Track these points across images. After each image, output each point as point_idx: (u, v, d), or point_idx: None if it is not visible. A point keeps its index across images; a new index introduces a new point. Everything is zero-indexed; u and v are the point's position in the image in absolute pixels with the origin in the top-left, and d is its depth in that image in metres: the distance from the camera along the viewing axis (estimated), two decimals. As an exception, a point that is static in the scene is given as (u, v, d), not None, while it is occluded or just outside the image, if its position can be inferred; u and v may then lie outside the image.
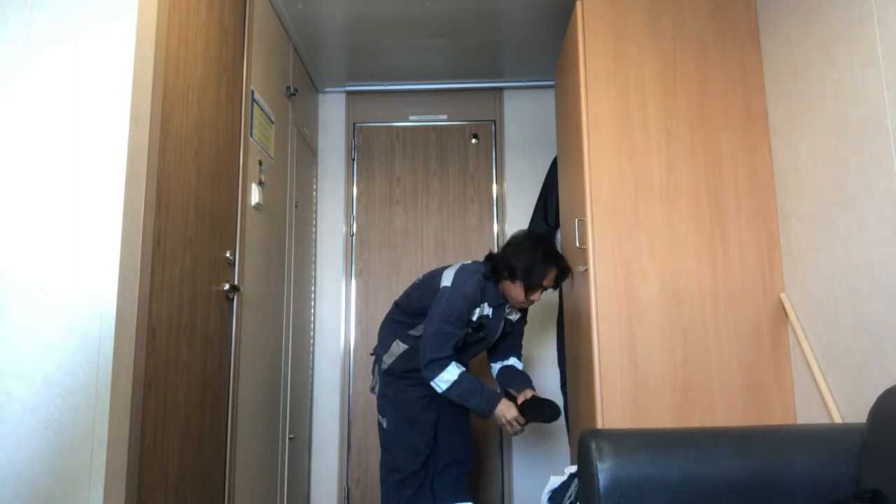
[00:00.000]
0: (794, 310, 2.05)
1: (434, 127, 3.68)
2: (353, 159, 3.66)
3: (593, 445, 1.34)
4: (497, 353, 2.47)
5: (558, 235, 2.94)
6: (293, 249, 3.03)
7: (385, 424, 2.32)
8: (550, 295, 2.78)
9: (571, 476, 1.91)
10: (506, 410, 2.17)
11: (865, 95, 1.68)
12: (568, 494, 1.87)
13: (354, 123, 3.70)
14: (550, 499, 1.95)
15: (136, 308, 1.54)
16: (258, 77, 2.53)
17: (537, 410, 2.21)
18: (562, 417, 3.18)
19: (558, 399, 3.14)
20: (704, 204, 2.19)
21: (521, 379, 2.37)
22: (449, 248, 3.56)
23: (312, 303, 3.44)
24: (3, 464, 1.40)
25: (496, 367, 2.48)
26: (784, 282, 2.13)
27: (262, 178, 2.55)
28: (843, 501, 1.21)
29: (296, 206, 3.09)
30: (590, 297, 2.14)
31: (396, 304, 2.43)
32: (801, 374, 2.02)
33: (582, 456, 1.36)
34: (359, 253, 3.57)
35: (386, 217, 3.60)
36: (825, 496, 1.29)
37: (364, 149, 3.67)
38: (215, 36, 2.12)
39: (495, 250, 3.40)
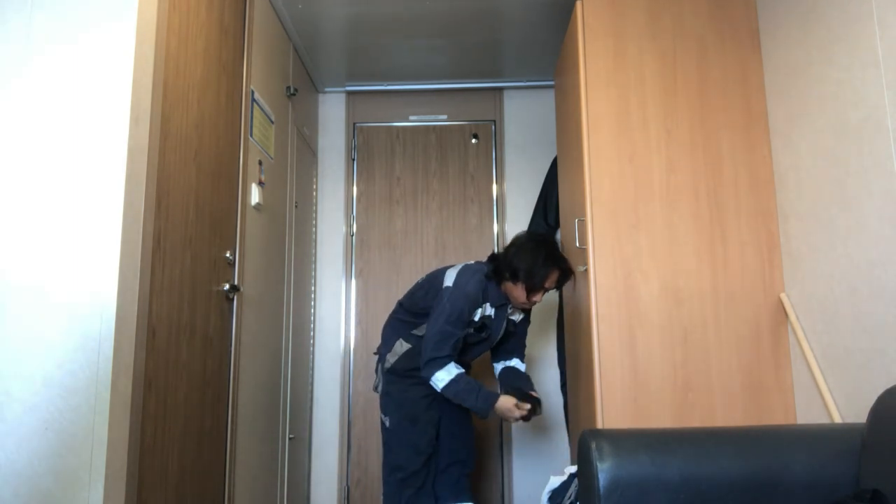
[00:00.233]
0: (794, 310, 2.05)
1: (434, 127, 3.68)
2: (353, 159, 3.66)
3: (593, 445, 1.34)
4: (500, 353, 2.47)
5: (558, 235, 2.94)
6: (293, 249, 3.04)
7: (388, 423, 2.33)
8: (551, 295, 2.78)
9: (571, 476, 1.91)
10: (506, 403, 2.17)
11: (865, 95, 1.68)
12: (568, 494, 1.87)
13: (354, 123, 3.70)
14: (550, 499, 1.95)
15: (136, 308, 1.54)
16: (258, 77, 2.53)
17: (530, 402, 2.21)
18: (562, 417, 3.19)
19: (558, 399, 3.14)
20: (704, 204, 2.19)
21: (522, 381, 2.37)
22: (449, 248, 3.56)
23: (312, 303, 3.44)
24: (3, 464, 1.40)
25: (498, 367, 2.48)
26: (784, 282, 2.13)
27: (262, 178, 2.55)
28: (843, 501, 1.21)
29: (296, 206, 3.09)
30: (590, 297, 2.14)
31: (400, 304, 2.44)
32: (801, 374, 2.02)
33: (582, 456, 1.36)
34: (359, 253, 3.57)
35: (386, 217, 3.60)
36: (825, 496, 1.29)
37: (364, 149, 3.67)
38: (215, 36, 2.12)
39: (495, 250, 3.41)
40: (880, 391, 1.36)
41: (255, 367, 2.45)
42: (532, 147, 3.61)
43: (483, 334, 2.28)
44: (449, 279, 2.25)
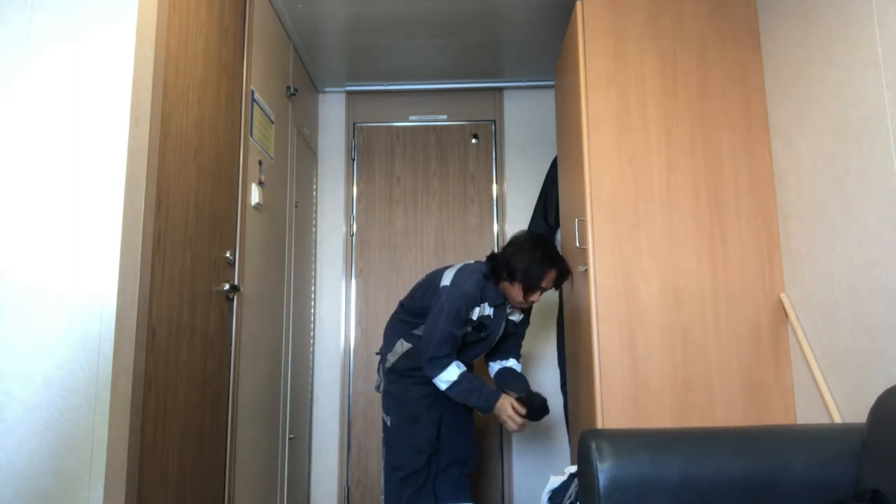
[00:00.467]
0: (794, 310, 2.05)
1: (434, 127, 3.68)
2: (353, 159, 3.66)
3: (593, 445, 1.34)
4: (497, 353, 2.47)
5: (558, 235, 2.94)
6: (293, 249, 3.03)
7: (389, 422, 2.34)
8: (550, 295, 2.78)
9: (571, 476, 1.91)
10: (505, 404, 2.17)
11: (865, 95, 1.68)
12: (568, 494, 1.87)
13: (354, 123, 3.70)
14: (550, 499, 1.95)
15: (136, 308, 1.54)
16: (258, 77, 2.53)
17: (531, 401, 2.20)
18: (562, 417, 3.19)
19: (558, 399, 3.14)
20: (704, 204, 2.19)
21: (518, 381, 2.37)
22: (449, 248, 3.56)
23: (312, 303, 3.44)
24: (3, 464, 1.40)
25: (494, 366, 2.48)
26: (784, 282, 2.13)
27: (262, 178, 2.55)
28: (843, 501, 1.21)
29: (296, 206, 3.09)
30: (590, 297, 2.14)
31: (401, 304, 2.45)
32: (801, 374, 2.02)
33: (582, 456, 1.36)
34: (359, 253, 3.57)
35: (386, 217, 3.60)
36: (825, 496, 1.29)
37: (364, 149, 3.67)
38: (215, 36, 2.12)
39: (495, 250, 3.41)
40: (880, 391, 1.36)
41: (255, 367, 2.45)
42: (532, 147, 3.61)
43: (482, 334, 2.28)
44: (447, 279, 2.25)
